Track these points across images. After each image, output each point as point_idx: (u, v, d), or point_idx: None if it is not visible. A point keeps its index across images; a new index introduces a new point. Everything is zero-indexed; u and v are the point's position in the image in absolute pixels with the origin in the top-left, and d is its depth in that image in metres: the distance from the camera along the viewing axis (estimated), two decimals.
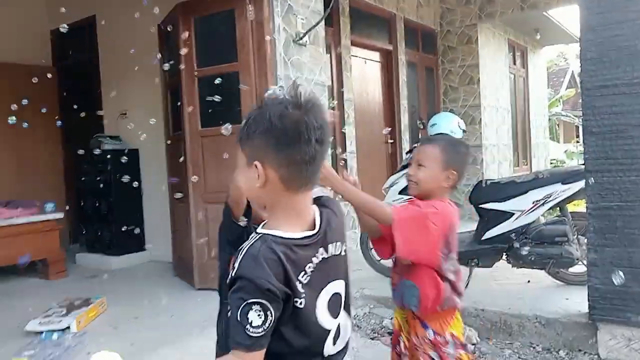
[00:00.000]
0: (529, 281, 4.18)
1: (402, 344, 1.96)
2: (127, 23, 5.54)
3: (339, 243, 1.25)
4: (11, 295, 4.53)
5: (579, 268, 3.89)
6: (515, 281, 4.20)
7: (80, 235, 6.12)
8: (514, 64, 9.49)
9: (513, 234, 3.88)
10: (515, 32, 9.17)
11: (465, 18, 7.66)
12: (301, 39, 4.05)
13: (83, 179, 5.64)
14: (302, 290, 1.13)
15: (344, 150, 5.89)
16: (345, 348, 1.28)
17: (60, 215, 5.14)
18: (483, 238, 4.01)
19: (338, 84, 5.78)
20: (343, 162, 5.86)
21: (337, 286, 1.24)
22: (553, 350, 3.28)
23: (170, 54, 4.50)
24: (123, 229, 5.34)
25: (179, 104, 4.32)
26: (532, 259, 3.81)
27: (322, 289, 1.19)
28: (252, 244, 1.11)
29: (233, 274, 1.09)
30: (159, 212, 5.34)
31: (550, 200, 3.81)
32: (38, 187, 6.00)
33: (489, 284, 4.16)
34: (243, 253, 1.10)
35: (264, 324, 1.05)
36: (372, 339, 3.54)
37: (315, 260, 1.16)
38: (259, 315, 1.04)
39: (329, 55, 5.54)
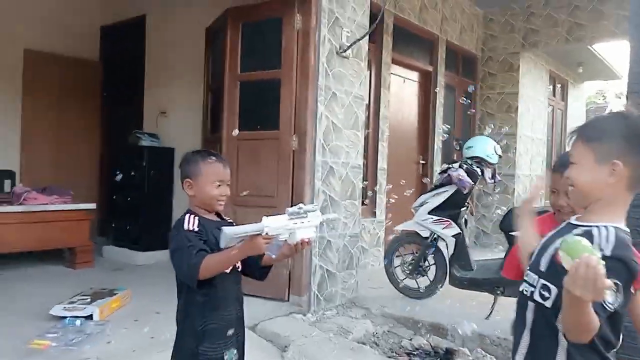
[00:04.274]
0: None
1: None
2: (176, 25, 5.72)
3: None
4: (37, 280, 4.62)
5: None
6: None
7: (109, 228, 6.23)
8: (554, 96, 9.36)
9: None
10: (557, 64, 9.07)
11: (508, 46, 7.61)
12: (345, 51, 4.09)
13: (118, 173, 5.75)
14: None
15: (375, 166, 5.88)
16: None
17: (92, 206, 5.25)
18: None
19: (375, 99, 5.80)
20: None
21: None
22: None
23: (215, 57, 4.58)
24: (151, 226, 5.43)
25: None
26: None
27: None
28: (616, 234, 1.27)
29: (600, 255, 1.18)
30: None
31: None
32: (74, 178, 6.16)
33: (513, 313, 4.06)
34: (612, 239, 1.25)
35: (615, 302, 1.19)
36: (390, 357, 3.48)
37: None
38: (612, 294, 1.17)
39: (368, 71, 5.56)
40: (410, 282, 4.50)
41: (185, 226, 1.81)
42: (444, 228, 4.27)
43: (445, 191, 4.31)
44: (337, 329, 3.71)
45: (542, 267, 1.40)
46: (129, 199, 5.65)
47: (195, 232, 1.80)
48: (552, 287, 1.34)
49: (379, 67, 5.82)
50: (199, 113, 5.30)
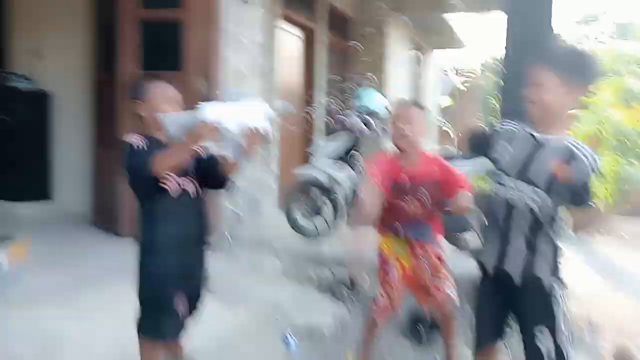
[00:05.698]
0: None
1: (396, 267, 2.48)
2: None
3: None
4: None
5: None
6: None
7: None
8: (416, 63, 10.21)
9: None
10: (417, 31, 9.85)
11: (380, 9, 8.07)
12: None
13: None
14: None
15: None
16: None
17: None
18: None
19: (266, 51, 5.87)
20: None
21: None
22: None
23: None
24: (28, 176, 5.01)
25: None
26: None
27: None
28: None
29: None
30: (71, 160, 5.08)
31: None
32: None
33: None
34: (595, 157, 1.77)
35: None
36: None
37: None
38: None
39: None
40: (308, 223, 4.77)
41: (132, 142, 1.91)
42: (340, 171, 4.59)
43: (338, 136, 4.64)
44: (250, 266, 3.89)
45: (531, 175, 1.81)
46: None
47: (142, 146, 1.92)
48: (540, 191, 1.78)
49: (268, 19, 5.88)
50: (81, 55, 4.94)
